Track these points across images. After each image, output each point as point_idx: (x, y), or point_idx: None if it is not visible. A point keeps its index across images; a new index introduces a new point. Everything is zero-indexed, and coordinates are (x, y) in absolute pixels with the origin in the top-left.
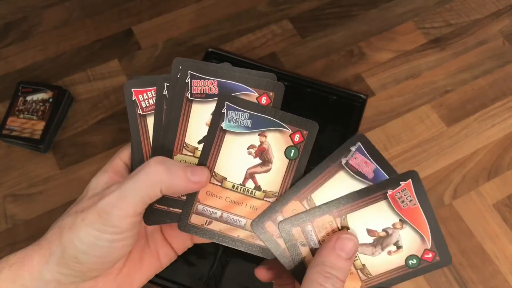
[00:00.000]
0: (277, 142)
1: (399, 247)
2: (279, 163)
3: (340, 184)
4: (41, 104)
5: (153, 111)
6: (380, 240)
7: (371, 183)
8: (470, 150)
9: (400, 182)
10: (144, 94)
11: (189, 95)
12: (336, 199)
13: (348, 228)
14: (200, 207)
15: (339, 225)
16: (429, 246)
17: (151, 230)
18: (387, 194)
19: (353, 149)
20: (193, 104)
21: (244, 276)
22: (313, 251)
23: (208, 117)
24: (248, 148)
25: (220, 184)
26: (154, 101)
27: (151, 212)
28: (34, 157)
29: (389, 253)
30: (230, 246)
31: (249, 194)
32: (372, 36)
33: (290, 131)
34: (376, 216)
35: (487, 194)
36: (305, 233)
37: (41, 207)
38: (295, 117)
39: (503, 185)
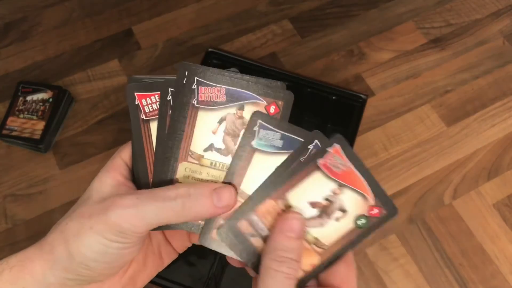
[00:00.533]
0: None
1: (344, 211)
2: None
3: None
4: (41, 104)
5: (157, 116)
6: (325, 210)
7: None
8: (470, 150)
9: (328, 149)
10: (148, 99)
11: (195, 102)
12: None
13: (291, 206)
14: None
15: (283, 206)
16: (373, 202)
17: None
18: (318, 164)
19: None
20: (199, 111)
21: (244, 276)
22: (266, 239)
23: (214, 125)
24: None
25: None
26: (158, 106)
27: None
28: (34, 157)
29: (337, 219)
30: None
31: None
32: (372, 36)
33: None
34: (315, 188)
35: (487, 194)
36: (252, 224)
37: (41, 207)
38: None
39: (503, 185)
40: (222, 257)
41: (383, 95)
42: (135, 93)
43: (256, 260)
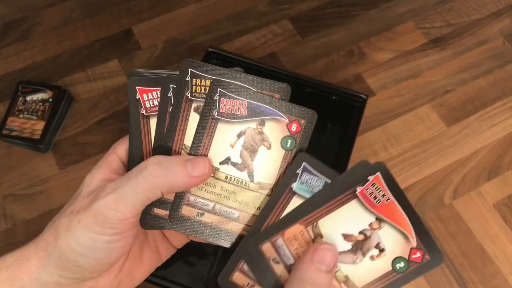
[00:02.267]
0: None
1: (381, 250)
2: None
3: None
4: (41, 104)
5: (156, 112)
6: (359, 245)
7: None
8: (470, 150)
9: (368, 177)
10: (149, 94)
11: (216, 114)
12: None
13: (321, 235)
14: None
15: (312, 234)
16: (414, 245)
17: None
18: (357, 192)
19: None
20: (218, 123)
21: None
22: (288, 268)
23: (233, 139)
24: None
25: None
26: (158, 102)
27: (148, 216)
28: (34, 157)
29: (372, 258)
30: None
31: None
32: (372, 36)
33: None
34: (350, 218)
35: (487, 194)
36: (277, 248)
37: (41, 207)
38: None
39: (503, 185)
40: (222, 257)
41: (383, 95)
42: (137, 87)
43: None
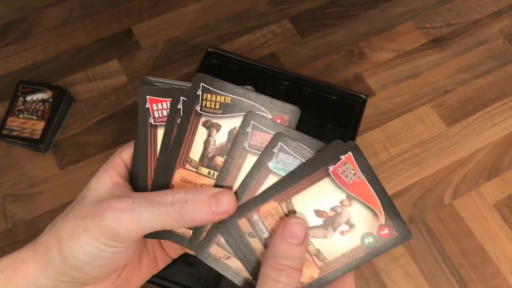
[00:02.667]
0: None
1: (351, 226)
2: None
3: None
4: (41, 104)
5: (164, 122)
6: (331, 220)
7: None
8: (470, 150)
9: (340, 156)
10: (159, 104)
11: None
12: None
13: (295, 211)
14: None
15: (286, 210)
16: (383, 222)
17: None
18: (329, 170)
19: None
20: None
21: None
22: (263, 241)
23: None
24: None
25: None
26: (168, 113)
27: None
28: (34, 157)
29: (342, 233)
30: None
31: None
32: (372, 36)
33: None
34: (322, 195)
35: (487, 194)
36: (252, 223)
37: (41, 207)
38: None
39: (503, 185)
40: None
41: (383, 95)
42: (147, 96)
43: (252, 264)
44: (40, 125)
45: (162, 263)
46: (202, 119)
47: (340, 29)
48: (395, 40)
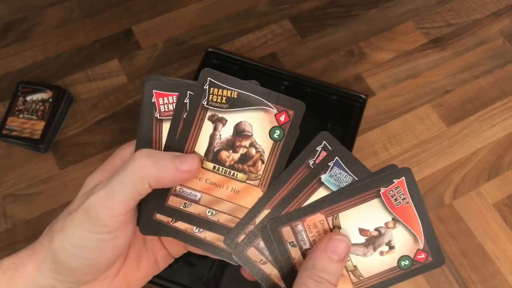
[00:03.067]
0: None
1: (391, 247)
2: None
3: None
4: (41, 104)
5: (170, 117)
6: (372, 240)
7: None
8: (470, 150)
9: (394, 180)
10: (165, 98)
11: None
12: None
13: (339, 227)
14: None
15: (331, 224)
16: (421, 247)
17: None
18: (380, 192)
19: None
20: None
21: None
22: (303, 252)
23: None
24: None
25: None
26: (174, 107)
27: (149, 222)
28: (34, 157)
29: (381, 253)
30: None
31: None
32: (372, 36)
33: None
34: (369, 215)
35: (487, 194)
36: (295, 233)
37: (41, 207)
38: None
39: (503, 185)
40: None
41: (383, 95)
42: (153, 91)
43: (288, 271)
44: (40, 125)
45: (163, 263)
46: (208, 113)
47: (340, 29)
48: (395, 40)
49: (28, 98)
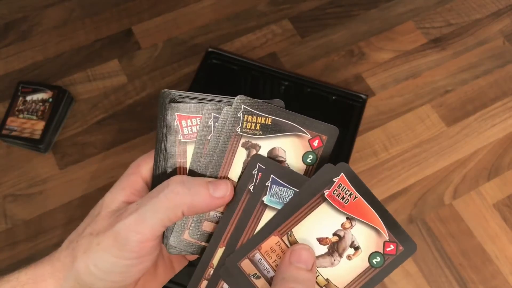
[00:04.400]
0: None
1: (357, 248)
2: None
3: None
4: (41, 104)
5: (194, 139)
6: (335, 246)
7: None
8: (470, 150)
9: (334, 179)
10: (188, 121)
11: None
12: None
13: (297, 243)
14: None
15: (288, 243)
16: (387, 238)
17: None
18: (325, 195)
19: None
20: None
21: None
22: (269, 280)
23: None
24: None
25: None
26: (198, 129)
27: (179, 241)
28: (34, 157)
29: (349, 257)
30: None
31: None
32: (372, 36)
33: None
34: (322, 222)
35: (487, 194)
36: (255, 264)
37: (41, 207)
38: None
39: (503, 185)
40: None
41: (383, 95)
42: (176, 113)
43: None
44: (40, 125)
45: (178, 267)
46: (242, 140)
47: (340, 29)
48: (395, 40)
49: (28, 98)
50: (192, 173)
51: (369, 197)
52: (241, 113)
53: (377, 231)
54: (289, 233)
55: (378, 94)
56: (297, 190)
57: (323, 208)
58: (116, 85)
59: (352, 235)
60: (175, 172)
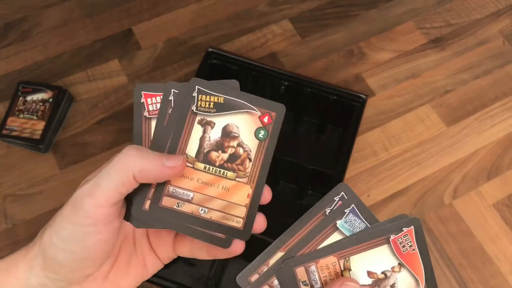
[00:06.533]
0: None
1: None
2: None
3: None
4: (41, 104)
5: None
6: (379, 282)
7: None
8: (470, 150)
9: (403, 228)
10: (153, 98)
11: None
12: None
13: (350, 269)
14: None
15: (342, 266)
16: None
17: (139, 237)
18: (390, 238)
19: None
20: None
21: None
22: None
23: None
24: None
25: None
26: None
27: (144, 213)
28: (34, 157)
29: None
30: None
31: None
32: (372, 36)
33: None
34: (377, 259)
35: (487, 194)
36: (308, 273)
37: (41, 207)
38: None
39: (503, 185)
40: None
41: (383, 95)
42: (142, 92)
43: None
44: (40, 125)
45: (152, 268)
46: (198, 118)
47: (340, 29)
48: (395, 40)
49: (28, 98)
50: (155, 146)
51: (424, 254)
52: (195, 93)
53: (416, 281)
54: (346, 258)
55: (378, 94)
56: (369, 225)
57: (384, 249)
58: (116, 85)
59: (397, 278)
60: (140, 144)
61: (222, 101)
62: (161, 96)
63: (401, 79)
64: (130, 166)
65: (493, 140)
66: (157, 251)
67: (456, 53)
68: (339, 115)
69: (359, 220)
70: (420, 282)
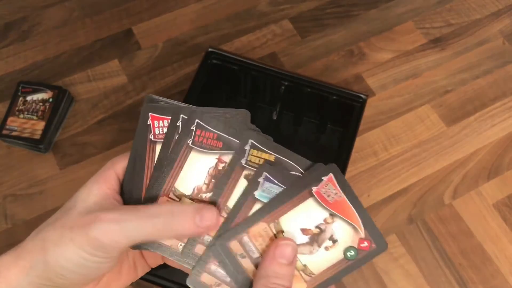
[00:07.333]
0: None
1: (334, 241)
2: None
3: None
4: (41, 104)
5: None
6: (316, 237)
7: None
8: (470, 150)
9: (322, 178)
10: (160, 122)
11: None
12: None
13: (282, 231)
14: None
15: (274, 230)
16: (362, 235)
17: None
18: (313, 191)
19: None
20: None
21: None
22: (254, 261)
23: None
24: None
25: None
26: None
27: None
28: (34, 157)
29: (327, 248)
30: None
31: None
32: (372, 36)
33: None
34: (307, 215)
35: (487, 194)
36: (243, 245)
37: (41, 207)
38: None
39: (503, 185)
40: None
41: (383, 95)
42: (150, 113)
43: (243, 281)
44: (40, 125)
45: (141, 272)
46: (245, 172)
47: (340, 29)
48: (395, 40)
49: (28, 98)
50: (156, 172)
51: (352, 198)
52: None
53: (354, 228)
54: (276, 221)
55: (378, 94)
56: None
57: (310, 203)
58: (116, 85)
59: (332, 229)
60: (143, 169)
61: (273, 160)
62: (169, 120)
63: (401, 79)
64: (165, 234)
65: (493, 140)
66: (146, 257)
67: (456, 53)
68: (339, 115)
69: (276, 186)
70: (358, 228)
